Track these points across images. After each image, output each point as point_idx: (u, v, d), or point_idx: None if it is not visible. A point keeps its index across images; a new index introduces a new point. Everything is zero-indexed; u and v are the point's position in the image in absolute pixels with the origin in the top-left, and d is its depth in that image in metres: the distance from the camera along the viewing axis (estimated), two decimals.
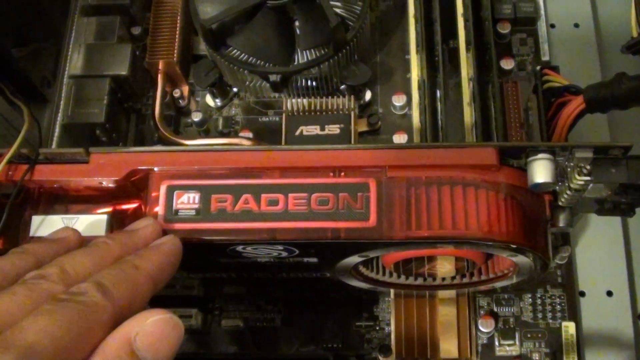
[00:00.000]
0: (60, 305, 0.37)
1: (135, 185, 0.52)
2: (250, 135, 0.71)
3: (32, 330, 0.35)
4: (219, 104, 0.74)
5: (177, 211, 0.50)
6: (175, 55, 0.71)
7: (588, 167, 0.49)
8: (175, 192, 0.50)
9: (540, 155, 0.50)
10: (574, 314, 0.67)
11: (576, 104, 0.63)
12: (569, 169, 0.50)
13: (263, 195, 0.49)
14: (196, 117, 0.72)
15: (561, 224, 0.54)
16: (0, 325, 0.36)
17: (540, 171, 0.49)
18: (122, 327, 0.38)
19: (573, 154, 0.49)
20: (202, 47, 0.73)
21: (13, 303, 0.37)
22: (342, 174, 0.50)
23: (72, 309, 0.37)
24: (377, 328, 0.67)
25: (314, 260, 0.54)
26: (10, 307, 0.37)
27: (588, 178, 0.49)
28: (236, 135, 0.72)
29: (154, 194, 0.50)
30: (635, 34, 0.59)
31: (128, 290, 0.40)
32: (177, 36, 0.72)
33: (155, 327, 0.38)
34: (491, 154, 0.50)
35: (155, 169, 0.51)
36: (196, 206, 0.50)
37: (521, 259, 0.53)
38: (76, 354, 0.36)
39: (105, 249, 0.44)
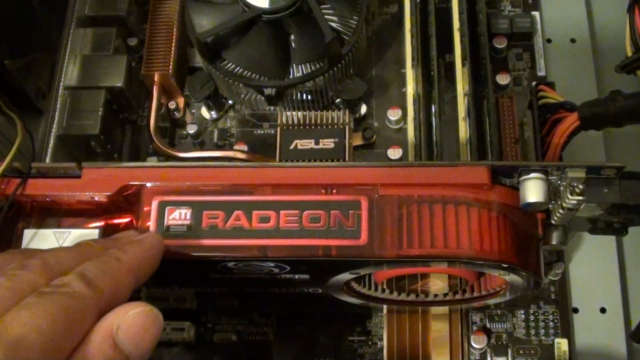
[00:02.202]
0: (44, 297, 0.37)
1: (127, 200, 0.52)
2: (245, 148, 0.71)
3: (17, 324, 0.35)
4: (214, 116, 0.74)
5: (168, 227, 0.50)
6: (170, 67, 0.71)
7: (581, 186, 0.49)
8: (167, 208, 0.50)
9: (532, 175, 0.50)
10: (567, 331, 0.66)
11: (571, 121, 0.62)
12: (561, 188, 0.50)
13: (254, 212, 0.49)
14: (191, 129, 0.72)
15: (554, 242, 0.54)
16: None
17: (533, 191, 0.49)
18: (103, 320, 0.38)
19: (565, 174, 0.49)
20: (198, 59, 0.73)
21: None
22: (334, 191, 0.50)
23: (56, 300, 0.37)
24: (370, 343, 0.67)
25: (305, 276, 0.54)
26: None
27: (580, 198, 0.49)
28: (231, 147, 0.72)
29: (145, 209, 0.50)
30: (629, 53, 0.59)
31: (111, 281, 0.40)
32: (172, 48, 0.72)
33: (136, 319, 0.39)
34: (483, 173, 0.50)
35: (148, 184, 0.51)
36: (187, 222, 0.49)
37: (513, 278, 0.53)
38: (63, 346, 0.36)
39: (87, 247, 0.44)
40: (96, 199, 0.52)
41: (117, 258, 0.42)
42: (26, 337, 0.34)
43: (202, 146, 0.74)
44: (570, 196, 0.49)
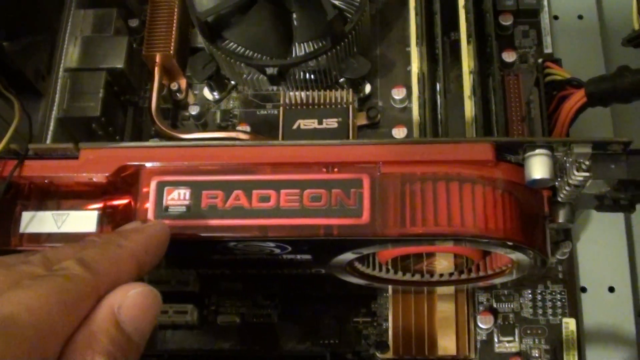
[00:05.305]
0: (40, 279, 0.37)
1: (125, 181, 0.51)
2: (248, 128, 0.71)
3: (8, 303, 0.34)
4: (216, 97, 0.73)
5: (167, 207, 0.49)
6: (172, 48, 0.70)
7: (587, 162, 0.48)
8: (166, 188, 0.49)
9: (538, 151, 0.49)
10: (574, 310, 0.66)
11: (577, 97, 0.61)
12: (567, 165, 0.49)
13: (254, 192, 0.49)
14: (193, 110, 0.72)
15: (561, 220, 0.53)
16: None
17: (538, 167, 0.48)
18: (104, 300, 0.38)
19: (571, 150, 0.48)
20: (200, 40, 0.72)
21: None
22: (335, 169, 0.49)
23: (51, 282, 0.36)
24: (375, 324, 0.66)
25: (307, 257, 0.53)
26: None
27: (587, 174, 0.48)
28: (234, 128, 0.71)
29: (144, 190, 0.50)
30: (636, 27, 0.57)
31: (111, 266, 0.40)
32: (174, 29, 0.71)
33: (136, 299, 0.38)
34: (487, 150, 0.49)
35: (146, 164, 0.50)
36: (187, 202, 0.49)
37: (519, 256, 0.52)
38: (59, 327, 0.36)
39: (90, 241, 0.43)
40: (94, 179, 0.51)
41: (118, 244, 0.42)
42: (17, 316, 0.34)
43: (204, 127, 0.73)
44: (576, 172, 0.48)
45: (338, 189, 0.48)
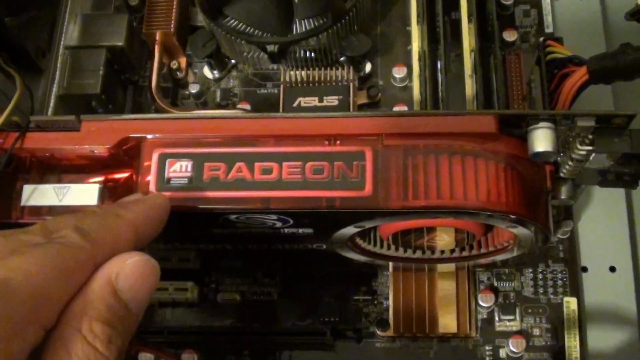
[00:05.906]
0: (37, 246, 0.37)
1: (127, 154, 0.51)
2: (248, 107, 0.71)
3: (5, 268, 0.34)
4: (216, 75, 0.73)
5: (169, 179, 0.49)
6: (172, 25, 0.70)
7: (590, 136, 0.48)
8: (168, 161, 0.49)
9: (541, 124, 0.48)
10: (576, 290, 0.66)
11: (579, 75, 0.61)
12: (570, 139, 0.49)
13: (257, 164, 0.48)
14: (193, 88, 0.71)
15: (563, 196, 0.53)
16: None
17: (541, 140, 0.48)
18: (101, 269, 0.38)
19: (575, 123, 0.48)
20: (200, 19, 0.72)
21: None
22: (338, 142, 0.49)
23: (48, 248, 0.37)
24: (375, 302, 0.66)
25: (309, 231, 0.53)
26: None
27: (590, 148, 0.48)
28: (234, 107, 0.71)
29: (146, 163, 0.49)
30: (639, 1, 0.57)
31: (108, 235, 0.40)
32: (174, 6, 0.70)
33: (134, 267, 0.38)
34: (490, 122, 0.49)
35: (148, 136, 0.50)
36: (188, 174, 0.49)
37: (521, 231, 0.52)
38: (56, 294, 0.36)
39: (89, 211, 0.43)
40: (96, 152, 0.51)
41: (117, 214, 0.42)
42: (14, 281, 0.34)
43: (204, 106, 0.72)
44: (579, 146, 0.48)
45: (340, 161, 0.48)
